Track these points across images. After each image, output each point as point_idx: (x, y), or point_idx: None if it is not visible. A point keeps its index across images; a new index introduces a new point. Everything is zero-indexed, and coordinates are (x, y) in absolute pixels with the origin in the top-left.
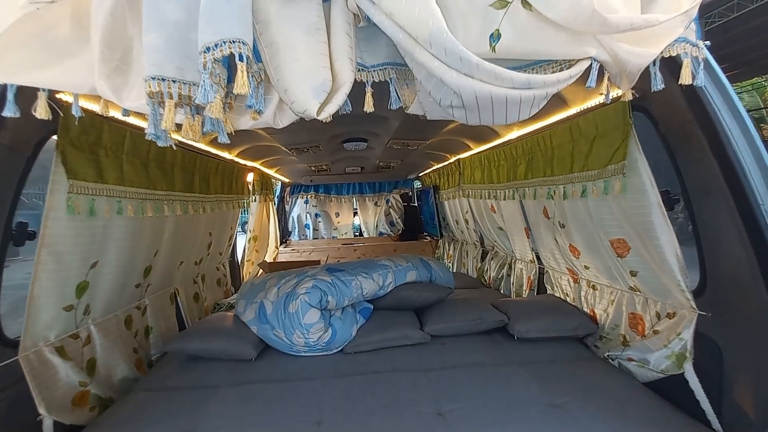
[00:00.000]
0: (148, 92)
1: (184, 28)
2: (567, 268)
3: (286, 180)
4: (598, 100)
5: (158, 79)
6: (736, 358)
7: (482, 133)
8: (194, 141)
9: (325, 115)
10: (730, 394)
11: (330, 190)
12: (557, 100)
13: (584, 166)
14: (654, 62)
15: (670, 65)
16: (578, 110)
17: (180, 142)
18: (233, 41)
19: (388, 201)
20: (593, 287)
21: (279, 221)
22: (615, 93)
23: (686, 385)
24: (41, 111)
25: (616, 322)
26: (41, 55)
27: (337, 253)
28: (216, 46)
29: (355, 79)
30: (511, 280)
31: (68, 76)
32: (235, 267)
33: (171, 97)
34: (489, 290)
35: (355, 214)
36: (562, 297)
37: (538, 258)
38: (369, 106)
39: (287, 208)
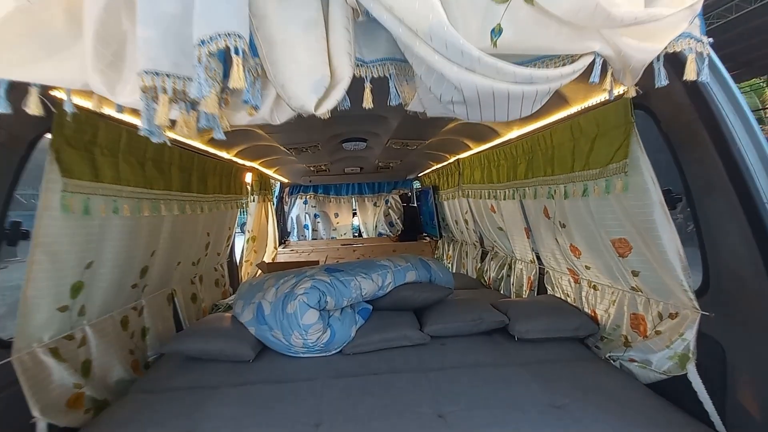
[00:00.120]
0: (142, 87)
1: (180, 22)
2: (568, 269)
3: (285, 180)
4: (600, 98)
5: (152, 73)
6: (739, 359)
7: (482, 133)
8: (189, 137)
9: (323, 111)
10: (733, 395)
11: (329, 190)
12: (558, 99)
13: (585, 165)
14: (658, 58)
15: (673, 62)
16: (579, 109)
17: (178, 141)
18: (229, 34)
19: (387, 201)
20: (594, 287)
21: (278, 222)
22: (617, 91)
23: (689, 386)
24: (33, 107)
25: (617, 322)
26: (33, 50)
27: (336, 254)
28: (211, 39)
29: (354, 74)
30: (511, 280)
31: (61, 71)
32: (233, 267)
33: (165, 92)
34: (489, 291)
35: (354, 214)
36: (562, 297)
37: (538, 258)
38: (368, 102)
39: (286, 208)
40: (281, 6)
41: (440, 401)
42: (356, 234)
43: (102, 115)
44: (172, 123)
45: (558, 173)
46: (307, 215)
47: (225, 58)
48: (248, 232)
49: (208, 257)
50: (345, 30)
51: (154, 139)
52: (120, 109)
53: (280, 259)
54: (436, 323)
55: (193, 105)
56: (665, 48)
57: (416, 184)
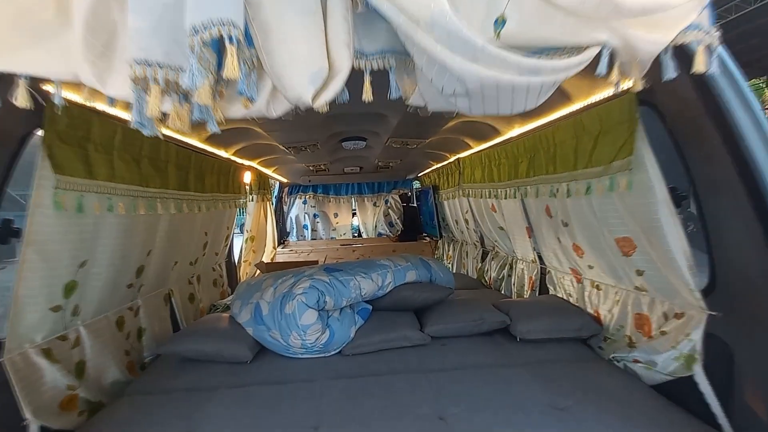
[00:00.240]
0: (133, 77)
1: (173, 11)
2: (570, 268)
3: (284, 180)
4: (603, 94)
5: (143, 63)
6: (747, 360)
7: (483, 132)
8: (182, 130)
9: (321, 103)
10: (741, 396)
11: (328, 190)
12: (560, 96)
13: (588, 163)
14: (665, 50)
15: (680, 55)
16: (582, 106)
17: (174, 138)
18: (223, 23)
19: (387, 201)
20: (597, 287)
21: (277, 222)
22: (623, 86)
23: (696, 388)
24: (21, 99)
25: (621, 322)
26: (21, 40)
27: (335, 254)
28: (204, 27)
29: (353, 66)
30: (512, 280)
31: (49, 61)
32: (231, 267)
33: (157, 83)
34: (489, 291)
35: (354, 214)
36: (564, 297)
37: (540, 258)
38: (368, 95)
39: (285, 208)
40: None
41: (441, 403)
42: (356, 234)
43: (96, 111)
44: (165, 117)
45: (560, 171)
46: (306, 215)
47: (219, 48)
48: (247, 231)
49: (206, 257)
50: (344, 20)
51: (146, 132)
52: (111, 102)
53: (279, 259)
54: (436, 323)
55: (186, 97)
56: (674, 39)
57: (416, 184)
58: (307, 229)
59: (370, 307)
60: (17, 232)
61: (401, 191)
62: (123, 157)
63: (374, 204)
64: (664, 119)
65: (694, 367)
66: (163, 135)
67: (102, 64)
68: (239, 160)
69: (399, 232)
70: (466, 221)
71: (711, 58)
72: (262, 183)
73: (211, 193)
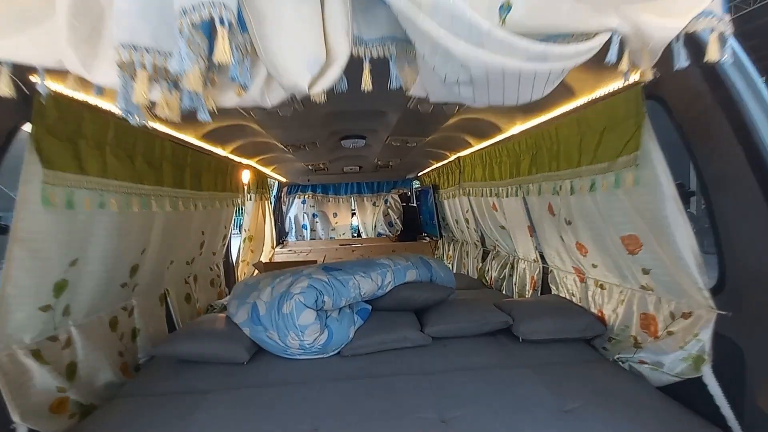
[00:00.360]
0: (118, 62)
1: None
2: (573, 267)
3: (284, 180)
4: (608, 89)
5: (130, 47)
6: (759, 360)
7: (483, 129)
8: (172, 119)
9: (318, 91)
10: (752, 398)
11: (328, 190)
12: (563, 91)
13: (593, 159)
14: (677, 37)
15: (689, 45)
16: (586, 101)
17: (170, 135)
18: (213, 4)
19: (386, 201)
20: (601, 286)
21: (276, 221)
22: (626, 82)
23: (704, 390)
24: (4, 87)
25: (626, 323)
26: (1, 26)
27: (334, 254)
28: (194, 8)
29: (352, 53)
30: (514, 280)
31: (32, 47)
32: (229, 267)
33: (144, 68)
34: (490, 291)
35: (353, 214)
36: (567, 297)
37: (542, 257)
38: (367, 84)
39: (284, 208)
40: None
41: (443, 405)
42: (355, 234)
43: (88, 105)
44: (154, 106)
45: (564, 168)
46: (305, 215)
47: (210, 32)
48: (245, 231)
49: (202, 256)
50: (342, 3)
51: (132, 121)
52: (99, 92)
53: (278, 259)
54: (437, 324)
55: (176, 85)
56: (686, 26)
57: (416, 184)
58: (306, 229)
59: (370, 307)
60: (5, 228)
61: (401, 191)
62: (116, 153)
63: (374, 204)
64: (672, 113)
65: (703, 368)
66: (159, 131)
67: (88, 50)
68: (237, 159)
69: (398, 232)
70: (467, 221)
71: (724, 47)
72: (260, 182)
73: (208, 191)
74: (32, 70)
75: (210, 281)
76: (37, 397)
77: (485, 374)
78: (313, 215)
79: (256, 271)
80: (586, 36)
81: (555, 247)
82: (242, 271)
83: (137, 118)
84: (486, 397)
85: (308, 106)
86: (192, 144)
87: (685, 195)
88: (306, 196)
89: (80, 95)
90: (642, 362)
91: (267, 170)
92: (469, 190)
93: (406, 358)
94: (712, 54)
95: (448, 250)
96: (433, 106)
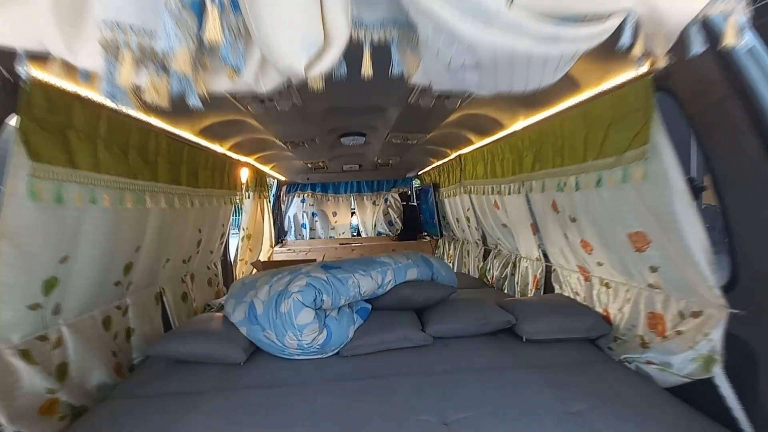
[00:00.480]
0: (102, 41)
1: None
2: (577, 266)
3: (283, 178)
4: (615, 81)
5: (114, 25)
6: None
7: (485, 125)
8: (160, 104)
9: (315, 74)
10: (765, 400)
11: (327, 188)
12: (568, 84)
13: (599, 154)
14: (693, 21)
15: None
16: (592, 94)
17: (166, 130)
18: None
19: (386, 200)
20: (607, 285)
21: (275, 221)
22: (635, 73)
23: (715, 391)
24: None
25: (632, 322)
26: None
27: (334, 253)
28: None
29: (351, 36)
30: (516, 279)
31: (12, 27)
32: (227, 266)
33: (129, 48)
34: (492, 290)
35: (353, 213)
36: (571, 296)
37: (545, 255)
38: (367, 69)
39: (283, 207)
40: None
41: (445, 408)
42: (355, 233)
43: (78, 97)
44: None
45: (568, 164)
46: (304, 214)
47: (201, 12)
48: (243, 230)
49: (200, 255)
50: None
51: (116, 104)
52: (85, 77)
53: (277, 258)
54: (438, 323)
55: (164, 67)
56: (703, 9)
57: (416, 183)
58: (305, 228)
59: (370, 307)
60: None
61: (401, 190)
62: (109, 146)
63: (373, 203)
64: (682, 105)
65: (714, 368)
66: (154, 126)
67: (72, 31)
68: (235, 156)
69: (399, 232)
70: (468, 219)
71: (741, 32)
72: (259, 180)
73: (205, 188)
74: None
75: (207, 280)
76: (26, 399)
77: (488, 375)
78: (313, 214)
79: (255, 270)
80: (599, 18)
81: (558, 245)
82: (240, 270)
83: (122, 103)
84: (489, 398)
85: (307, 101)
86: (188, 140)
87: (695, 190)
88: (305, 195)
89: (70, 85)
90: (649, 363)
91: (266, 168)
92: (470, 188)
93: (406, 359)
94: (730, 39)
95: (449, 249)
96: (435, 100)
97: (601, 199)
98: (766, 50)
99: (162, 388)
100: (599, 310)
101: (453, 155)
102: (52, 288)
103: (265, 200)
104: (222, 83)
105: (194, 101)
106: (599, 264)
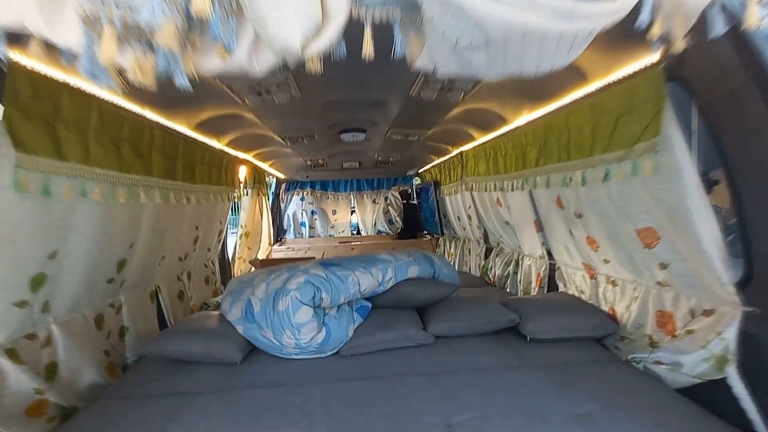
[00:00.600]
0: (82, 15)
1: None
2: (582, 263)
3: (282, 176)
4: (624, 71)
5: None
6: None
7: (488, 120)
8: (145, 84)
9: (312, 52)
10: None
11: (327, 186)
12: (575, 76)
13: (608, 147)
14: (713, 2)
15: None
16: (600, 86)
17: (160, 124)
18: None
19: (386, 198)
20: (613, 283)
21: (274, 219)
22: (645, 63)
23: (728, 392)
24: None
25: (640, 321)
26: None
27: (333, 252)
28: None
29: (351, 15)
30: (518, 277)
31: None
32: (225, 264)
33: (111, 22)
34: (494, 289)
35: (353, 211)
36: (576, 295)
37: (548, 253)
38: (368, 49)
39: (282, 205)
40: None
41: (448, 409)
42: (354, 232)
43: (67, 86)
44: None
45: (575, 158)
46: (304, 212)
47: None
48: (241, 227)
49: (197, 252)
50: None
51: (97, 83)
52: (68, 59)
53: (276, 256)
54: (440, 322)
55: (150, 46)
56: None
57: (416, 181)
58: (304, 227)
59: (370, 305)
60: None
61: (401, 188)
62: (100, 139)
63: (374, 201)
64: (695, 94)
65: (727, 368)
66: (147, 119)
67: (52, 6)
68: (233, 152)
69: (399, 230)
70: (469, 217)
71: (763, 13)
72: (257, 177)
73: (202, 184)
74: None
75: (205, 278)
76: (12, 400)
77: (492, 375)
78: (312, 212)
79: (253, 269)
80: None
81: (563, 242)
82: (238, 269)
83: (104, 83)
84: (494, 399)
85: (305, 93)
86: (184, 134)
87: (707, 184)
88: (305, 193)
89: (58, 74)
90: (658, 362)
91: (265, 165)
92: (472, 185)
93: (408, 359)
94: (752, 19)
95: (450, 248)
96: (437, 93)
97: (608, 194)
98: None
99: (155, 388)
100: (605, 308)
101: (454, 152)
102: (40, 285)
103: (263, 198)
104: (213, 63)
105: (182, 81)
106: (606, 261)
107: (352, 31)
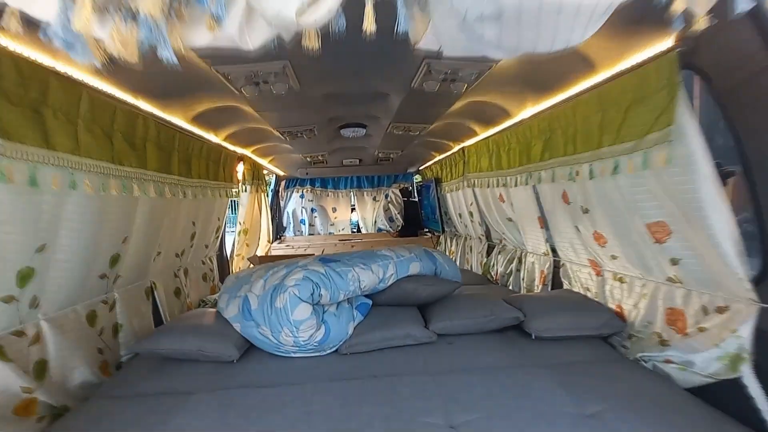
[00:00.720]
0: None
1: None
2: (588, 260)
3: (281, 173)
4: (634, 59)
5: None
6: None
7: (491, 114)
8: (127, 58)
9: (309, 22)
10: None
11: (327, 183)
12: (581, 65)
13: (617, 139)
14: None
15: None
16: (608, 75)
17: (155, 115)
18: None
19: (387, 196)
20: (620, 280)
21: (273, 216)
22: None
23: (743, 391)
24: None
25: (649, 318)
26: None
27: (333, 250)
28: None
29: None
30: (521, 275)
31: None
32: (223, 261)
33: None
34: (496, 286)
35: (353, 209)
36: (581, 292)
37: (553, 250)
38: (369, 23)
39: (282, 202)
40: None
41: (451, 409)
42: (355, 229)
43: (55, 73)
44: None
45: (581, 151)
46: (303, 210)
47: None
48: (240, 224)
49: (194, 249)
50: None
51: (75, 56)
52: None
53: (275, 254)
54: (442, 320)
55: (133, 16)
56: None
57: (417, 178)
58: (304, 224)
59: (370, 302)
60: None
61: (402, 185)
62: (91, 128)
63: (374, 198)
64: (710, 82)
65: (742, 367)
66: (141, 110)
67: None
68: (231, 147)
69: (399, 228)
70: (471, 214)
71: None
72: (256, 172)
73: (199, 179)
74: None
75: (202, 275)
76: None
77: (496, 374)
78: (312, 210)
79: (251, 266)
80: None
81: (569, 238)
82: (237, 266)
83: (82, 56)
84: (498, 400)
85: (304, 84)
86: (180, 127)
87: (722, 175)
88: (304, 190)
89: (47, 59)
90: (668, 361)
91: (264, 162)
92: (474, 182)
93: (409, 357)
94: None
95: (451, 246)
96: (440, 84)
97: (617, 188)
98: None
99: (149, 387)
100: (612, 306)
101: (456, 148)
102: (28, 279)
103: (262, 194)
104: (201, 36)
105: (167, 54)
106: (613, 257)
107: (353, 15)
